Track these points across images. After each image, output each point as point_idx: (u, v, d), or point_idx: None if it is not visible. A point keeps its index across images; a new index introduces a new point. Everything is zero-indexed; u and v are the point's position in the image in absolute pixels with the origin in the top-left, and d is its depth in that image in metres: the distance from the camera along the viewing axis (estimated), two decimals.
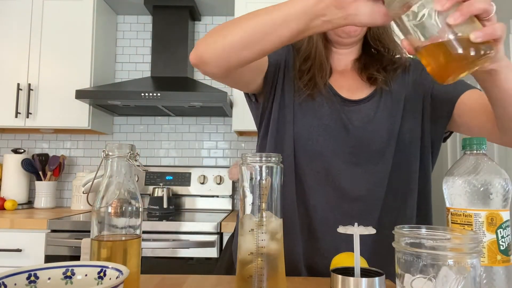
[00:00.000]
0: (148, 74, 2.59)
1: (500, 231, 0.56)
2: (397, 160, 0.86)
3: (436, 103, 0.88)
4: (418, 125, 0.88)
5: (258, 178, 0.59)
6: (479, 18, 0.56)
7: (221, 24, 0.71)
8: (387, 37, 0.91)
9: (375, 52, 0.92)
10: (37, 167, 2.37)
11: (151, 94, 2.04)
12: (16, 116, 2.19)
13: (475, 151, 0.61)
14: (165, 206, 2.18)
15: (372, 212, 0.85)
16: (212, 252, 1.76)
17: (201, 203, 2.38)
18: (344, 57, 0.94)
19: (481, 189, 0.57)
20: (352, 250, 0.55)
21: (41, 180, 2.38)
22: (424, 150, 0.89)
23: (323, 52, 0.90)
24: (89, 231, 1.86)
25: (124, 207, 0.58)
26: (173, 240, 1.74)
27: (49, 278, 0.49)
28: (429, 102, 0.89)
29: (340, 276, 0.52)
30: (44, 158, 2.40)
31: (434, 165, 0.94)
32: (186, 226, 1.79)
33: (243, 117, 2.16)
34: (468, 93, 0.89)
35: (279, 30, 0.64)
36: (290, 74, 0.92)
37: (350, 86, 0.91)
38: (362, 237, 0.55)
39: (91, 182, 0.62)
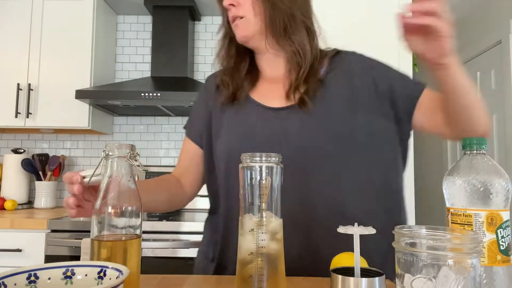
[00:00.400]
0: (148, 74, 2.59)
1: (500, 231, 0.56)
2: (345, 161, 0.82)
3: (396, 103, 0.86)
4: (374, 124, 0.84)
5: (258, 178, 0.59)
6: None
7: None
8: (297, 34, 0.86)
9: (291, 53, 0.87)
10: (37, 167, 2.37)
11: (151, 94, 2.04)
12: (16, 116, 2.19)
13: (475, 151, 0.61)
14: None
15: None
16: None
17: (201, 203, 2.38)
18: (272, 64, 0.92)
19: (481, 189, 0.57)
20: None
21: (41, 180, 2.38)
22: (385, 147, 0.86)
23: (245, 63, 0.94)
24: (89, 231, 1.85)
25: (124, 207, 0.58)
26: (173, 240, 1.74)
27: (49, 278, 0.49)
28: (388, 101, 0.86)
29: (340, 276, 0.52)
30: (44, 158, 2.40)
31: (406, 165, 0.91)
32: (186, 226, 1.79)
33: None
34: (425, 92, 0.87)
35: None
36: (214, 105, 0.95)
37: (281, 96, 0.88)
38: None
39: (88, 178, 0.62)
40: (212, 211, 0.96)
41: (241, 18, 0.85)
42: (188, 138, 0.98)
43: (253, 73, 0.94)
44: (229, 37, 0.93)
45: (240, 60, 0.94)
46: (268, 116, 0.86)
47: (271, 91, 0.90)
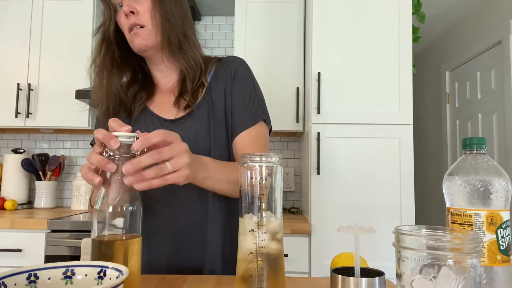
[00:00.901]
0: None
1: (500, 231, 0.56)
2: None
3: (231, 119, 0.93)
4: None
5: (258, 178, 0.59)
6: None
7: None
8: (175, 37, 0.89)
9: (185, 69, 0.91)
10: (37, 167, 2.37)
11: None
12: (16, 116, 2.19)
13: (475, 151, 0.61)
14: None
15: None
16: None
17: None
18: (167, 75, 0.96)
19: (481, 189, 0.57)
20: None
21: (41, 180, 2.38)
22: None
23: (142, 75, 0.97)
24: (89, 231, 1.86)
25: (124, 207, 0.58)
26: None
27: (49, 278, 0.49)
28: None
29: (340, 276, 0.52)
30: (44, 158, 2.40)
31: None
32: None
33: None
34: (244, 133, 0.92)
35: None
36: None
37: (171, 107, 0.92)
38: None
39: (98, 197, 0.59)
40: None
41: (141, 27, 0.86)
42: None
43: (147, 83, 0.97)
44: (107, 42, 0.91)
45: (122, 70, 0.95)
46: (166, 128, 0.87)
47: (166, 102, 0.94)
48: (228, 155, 0.93)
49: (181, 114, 0.91)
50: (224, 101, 0.93)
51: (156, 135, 0.59)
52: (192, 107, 0.90)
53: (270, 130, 0.99)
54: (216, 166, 0.80)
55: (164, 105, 0.93)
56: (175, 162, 0.62)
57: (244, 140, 0.91)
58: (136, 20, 0.85)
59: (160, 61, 0.94)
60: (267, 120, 0.95)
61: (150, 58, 0.94)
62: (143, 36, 0.86)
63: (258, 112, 0.94)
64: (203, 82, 0.93)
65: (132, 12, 0.85)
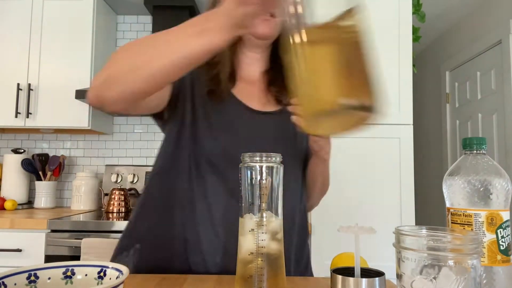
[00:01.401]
0: None
1: (500, 231, 0.56)
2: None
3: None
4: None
5: (258, 178, 0.59)
6: None
7: (114, 61, 0.62)
8: None
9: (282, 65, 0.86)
10: (37, 167, 2.37)
11: None
12: (16, 116, 2.19)
13: (475, 151, 0.61)
14: None
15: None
16: None
17: None
18: (253, 63, 0.92)
19: (481, 189, 0.57)
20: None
21: (41, 180, 2.38)
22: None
23: (228, 57, 0.87)
24: (89, 231, 1.86)
25: None
26: None
27: (49, 278, 0.49)
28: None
29: (340, 276, 0.52)
30: (44, 158, 2.40)
31: None
32: None
33: None
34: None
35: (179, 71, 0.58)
36: (197, 85, 0.87)
37: (260, 98, 0.90)
38: None
39: None
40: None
41: (271, 16, 0.83)
42: None
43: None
44: None
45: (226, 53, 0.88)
46: (257, 120, 0.86)
47: (251, 91, 0.90)
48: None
49: (271, 108, 0.89)
50: None
51: None
52: (285, 102, 0.88)
53: None
54: None
55: (249, 94, 0.88)
56: None
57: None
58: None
59: (260, 50, 0.90)
60: None
61: (264, 45, 0.89)
62: (271, 25, 0.83)
63: None
64: None
65: None
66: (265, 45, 0.90)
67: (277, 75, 0.90)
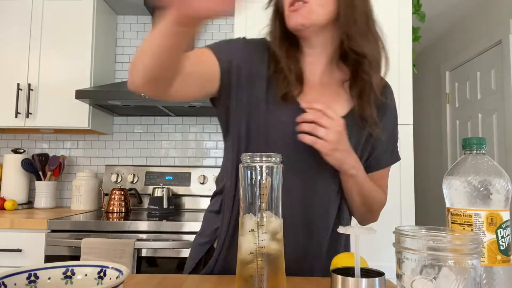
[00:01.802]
0: None
1: (500, 231, 0.56)
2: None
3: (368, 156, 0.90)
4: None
5: (258, 178, 0.59)
6: None
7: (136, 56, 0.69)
8: (361, 29, 0.80)
9: (365, 76, 0.81)
10: (37, 167, 2.37)
11: None
12: (16, 116, 2.19)
13: (475, 151, 0.61)
14: (165, 206, 2.18)
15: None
16: None
17: (201, 203, 2.38)
18: (316, 60, 0.85)
19: (481, 189, 0.57)
20: None
21: (41, 180, 2.38)
22: None
23: (287, 59, 0.82)
24: (89, 231, 1.86)
25: None
26: (173, 240, 1.74)
27: (49, 278, 0.49)
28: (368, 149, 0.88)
29: (340, 276, 0.52)
30: (44, 158, 2.40)
31: None
32: (186, 226, 1.79)
33: None
34: (383, 171, 0.94)
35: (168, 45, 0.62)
36: (253, 72, 0.83)
37: (333, 98, 0.85)
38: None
39: None
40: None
41: (304, 3, 0.76)
42: (211, 52, 0.80)
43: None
44: (279, 19, 0.84)
45: (291, 53, 0.83)
46: None
47: (313, 95, 0.84)
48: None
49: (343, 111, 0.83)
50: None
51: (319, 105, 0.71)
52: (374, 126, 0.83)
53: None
54: (365, 176, 0.82)
55: (311, 98, 0.82)
56: (327, 132, 0.72)
57: (376, 175, 0.91)
58: None
59: (315, 45, 0.83)
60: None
61: (304, 39, 0.83)
62: (303, 13, 0.76)
63: (396, 152, 0.96)
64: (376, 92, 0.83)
65: None
66: (318, 41, 0.82)
67: (356, 89, 0.83)
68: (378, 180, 0.92)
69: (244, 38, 0.88)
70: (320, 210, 0.83)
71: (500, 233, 0.56)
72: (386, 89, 0.89)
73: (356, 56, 0.81)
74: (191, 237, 1.77)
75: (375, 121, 0.83)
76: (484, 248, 0.56)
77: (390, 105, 0.89)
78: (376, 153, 0.90)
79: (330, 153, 0.74)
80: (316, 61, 0.86)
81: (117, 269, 0.50)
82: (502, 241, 0.56)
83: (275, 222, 0.60)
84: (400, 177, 1.80)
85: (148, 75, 0.67)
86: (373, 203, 0.88)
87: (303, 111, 0.78)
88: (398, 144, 0.96)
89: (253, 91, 0.82)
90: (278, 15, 0.84)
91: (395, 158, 0.96)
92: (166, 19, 0.59)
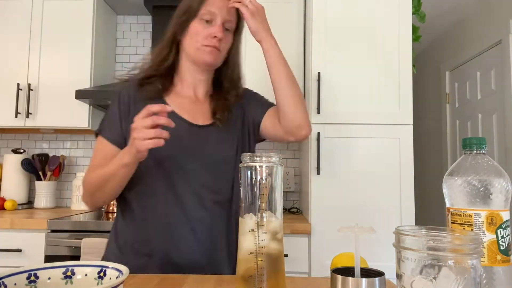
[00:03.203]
0: None
1: (500, 231, 0.56)
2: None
3: (250, 129, 1.10)
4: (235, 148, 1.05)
5: (258, 178, 0.59)
6: None
7: (84, 186, 0.98)
8: (238, 78, 1.10)
9: (225, 91, 1.08)
10: (37, 167, 2.37)
11: None
12: (16, 116, 2.19)
13: (475, 151, 0.61)
14: None
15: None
16: None
17: None
18: (200, 84, 1.07)
19: (481, 189, 0.57)
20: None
21: (41, 180, 2.38)
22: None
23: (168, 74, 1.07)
24: (89, 231, 1.86)
25: None
26: None
27: (49, 278, 0.49)
28: (251, 128, 1.10)
29: (340, 276, 0.52)
30: (44, 158, 2.40)
31: None
32: None
33: None
34: (267, 113, 1.08)
35: (114, 181, 0.92)
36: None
37: (196, 113, 1.03)
38: None
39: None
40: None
41: (219, 50, 1.01)
42: (105, 140, 1.00)
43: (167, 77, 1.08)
44: (176, 42, 1.05)
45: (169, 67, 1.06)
46: (193, 132, 1.00)
47: (187, 105, 1.04)
48: None
49: (206, 121, 1.03)
50: (241, 117, 1.09)
51: None
52: (220, 118, 1.03)
53: None
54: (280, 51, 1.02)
55: (186, 108, 1.03)
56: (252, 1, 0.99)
57: (272, 114, 1.07)
58: (219, 45, 1.00)
59: (203, 73, 1.06)
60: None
61: (205, 72, 1.06)
62: (215, 57, 1.01)
63: (270, 101, 1.13)
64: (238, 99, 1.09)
65: (220, 39, 1.00)
66: (208, 72, 1.07)
67: (218, 97, 1.07)
68: (273, 115, 1.07)
69: (117, 94, 1.07)
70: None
71: (500, 233, 0.56)
72: (245, 91, 1.14)
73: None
74: None
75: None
76: (484, 248, 0.56)
77: (244, 95, 1.12)
78: (257, 108, 1.09)
79: (253, 17, 0.98)
80: (199, 83, 1.08)
81: (117, 269, 0.50)
82: (502, 241, 0.56)
83: (275, 222, 0.60)
84: (400, 177, 1.80)
85: (110, 197, 0.97)
86: (298, 88, 1.03)
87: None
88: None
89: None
90: (175, 44, 1.05)
91: (272, 103, 1.12)
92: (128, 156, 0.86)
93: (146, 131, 0.78)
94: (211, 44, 0.99)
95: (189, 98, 1.06)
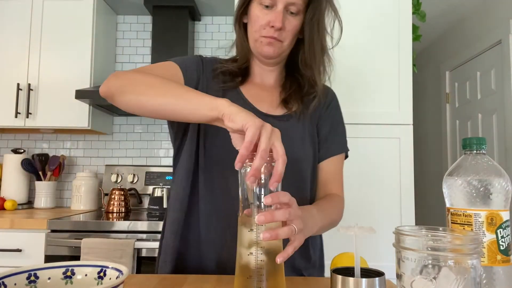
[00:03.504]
0: None
1: (500, 231, 0.56)
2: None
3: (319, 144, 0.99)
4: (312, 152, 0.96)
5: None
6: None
7: (136, 75, 0.77)
8: (315, 63, 0.93)
9: (299, 76, 0.96)
10: (37, 167, 2.37)
11: None
12: (16, 116, 2.19)
13: (475, 151, 0.61)
14: (165, 206, 2.18)
15: None
16: None
17: None
18: (267, 73, 0.98)
19: (481, 189, 0.57)
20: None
21: (41, 180, 2.38)
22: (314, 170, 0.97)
23: (248, 62, 0.96)
24: (89, 231, 1.87)
25: None
26: None
27: (49, 278, 0.49)
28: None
29: (340, 276, 0.52)
30: (44, 158, 2.40)
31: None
32: None
33: None
34: (329, 160, 0.98)
35: (186, 116, 0.71)
36: (208, 78, 0.93)
37: (271, 102, 0.95)
38: None
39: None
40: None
41: (280, 41, 0.88)
42: (178, 66, 0.89)
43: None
44: (243, 26, 0.95)
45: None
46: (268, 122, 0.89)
47: (261, 95, 0.96)
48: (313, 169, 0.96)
49: (278, 112, 0.93)
50: (316, 121, 0.98)
51: (286, 197, 0.61)
52: (295, 110, 0.93)
53: (346, 157, 1.04)
54: (319, 215, 0.80)
55: (259, 98, 0.94)
56: (295, 222, 0.64)
57: (329, 167, 0.98)
58: (278, 35, 0.87)
59: (271, 65, 0.96)
60: (346, 153, 1.03)
61: (269, 63, 0.96)
62: (275, 49, 0.89)
63: (344, 143, 1.01)
64: (315, 94, 0.96)
65: (279, 29, 0.86)
66: (274, 63, 0.95)
67: (290, 85, 0.96)
68: (329, 183, 0.97)
69: (201, 55, 0.98)
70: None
71: (500, 233, 0.56)
72: (327, 90, 1.03)
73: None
74: None
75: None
76: (484, 248, 0.56)
77: (326, 100, 1.01)
78: (325, 144, 0.98)
79: (303, 238, 0.68)
80: (267, 74, 0.98)
81: (117, 269, 0.50)
82: (502, 241, 0.56)
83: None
84: (400, 177, 1.80)
85: (137, 111, 0.76)
86: (332, 224, 0.91)
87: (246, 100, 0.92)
88: (347, 140, 1.03)
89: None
90: (242, 31, 0.94)
91: (344, 148, 1.01)
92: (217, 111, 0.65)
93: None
94: (268, 35, 0.86)
95: (259, 85, 0.97)
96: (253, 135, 0.58)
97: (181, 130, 0.93)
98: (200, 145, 0.89)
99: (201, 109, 0.67)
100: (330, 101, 1.02)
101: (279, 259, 0.58)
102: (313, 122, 0.97)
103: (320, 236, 1.04)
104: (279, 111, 0.94)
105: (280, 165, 0.58)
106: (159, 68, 0.86)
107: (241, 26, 0.94)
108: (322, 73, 0.96)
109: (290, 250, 0.60)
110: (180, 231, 0.88)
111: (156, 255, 1.75)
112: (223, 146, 0.83)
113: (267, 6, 0.86)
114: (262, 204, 0.59)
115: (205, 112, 0.66)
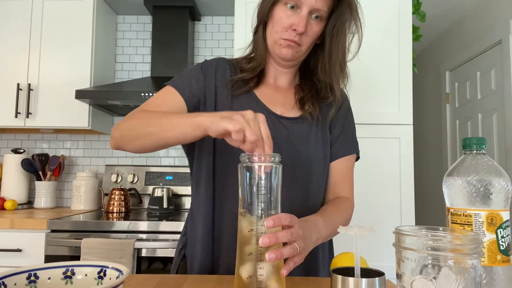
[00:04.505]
0: (148, 74, 2.59)
1: (500, 231, 0.56)
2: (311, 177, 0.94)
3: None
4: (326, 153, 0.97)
5: (257, 178, 0.59)
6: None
7: (130, 122, 0.82)
8: (335, 72, 0.94)
9: (316, 80, 0.96)
10: (37, 167, 2.37)
11: (151, 94, 2.04)
12: (16, 116, 2.19)
13: (475, 151, 0.61)
14: (165, 206, 2.18)
15: None
16: None
17: None
18: (281, 75, 0.98)
19: (481, 189, 0.57)
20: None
21: (41, 180, 2.38)
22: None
23: (264, 62, 0.95)
24: (89, 231, 1.87)
25: None
26: (173, 240, 1.74)
27: (49, 278, 0.49)
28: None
29: (340, 276, 0.52)
30: (44, 158, 2.40)
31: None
32: None
33: None
34: (340, 161, 0.98)
35: (181, 140, 0.76)
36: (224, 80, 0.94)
37: (284, 104, 0.95)
38: None
39: None
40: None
41: (299, 45, 0.88)
42: (175, 90, 0.90)
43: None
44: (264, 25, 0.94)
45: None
46: (276, 123, 0.91)
47: (274, 96, 0.96)
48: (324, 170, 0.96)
49: (292, 114, 0.94)
50: (328, 122, 0.98)
51: (287, 219, 0.61)
52: (311, 112, 0.93)
53: (356, 159, 1.04)
54: (325, 226, 0.80)
55: (273, 100, 0.94)
56: (297, 242, 0.64)
57: (340, 167, 0.98)
58: (298, 39, 0.87)
59: (287, 67, 0.96)
60: (358, 154, 1.03)
61: (286, 65, 0.96)
62: (293, 52, 0.89)
63: (356, 144, 1.02)
64: (329, 100, 0.97)
65: (301, 33, 0.86)
66: (290, 65, 0.95)
67: (309, 88, 0.96)
68: (339, 184, 0.97)
69: (202, 62, 0.97)
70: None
71: (500, 233, 0.56)
72: (343, 98, 1.04)
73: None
74: None
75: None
76: (484, 248, 0.56)
77: (338, 102, 1.00)
78: (337, 144, 0.98)
79: (305, 254, 0.68)
80: (282, 75, 0.98)
81: (117, 269, 0.50)
82: (502, 241, 0.56)
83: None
84: (400, 177, 1.80)
85: (146, 150, 0.82)
86: (347, 220, 0.93)
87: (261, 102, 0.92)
88: (359, 142, 1.04)
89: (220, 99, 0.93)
90: (262, 32, 0.94)
91: (355, 149, 1.01)
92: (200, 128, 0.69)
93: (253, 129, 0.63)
94: (289, 38, 0.86)
95: (273, 87, 0.97)
96: (236, 138, 0.62)
97: (191, 147, 0.95)
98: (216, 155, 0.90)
99: (188, 131, 0.71)
100: (343, 102, 1.02)
101: (284, 271, 0.60)
102: (326, 125, 0.97)
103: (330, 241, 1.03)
104: (293, 113, 0.94)
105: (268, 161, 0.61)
106: (158, 99, 0.89)
107: (262, 25, 0.93)
108: (340, 82, 0.97)
109: (291, 265, 0.62)
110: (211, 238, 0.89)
111: (156, 255, 1.75)
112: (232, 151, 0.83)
113: (292, 7, 0.85)
114: (262, 204, 0.59)
115: (192, 132, 0.70)
